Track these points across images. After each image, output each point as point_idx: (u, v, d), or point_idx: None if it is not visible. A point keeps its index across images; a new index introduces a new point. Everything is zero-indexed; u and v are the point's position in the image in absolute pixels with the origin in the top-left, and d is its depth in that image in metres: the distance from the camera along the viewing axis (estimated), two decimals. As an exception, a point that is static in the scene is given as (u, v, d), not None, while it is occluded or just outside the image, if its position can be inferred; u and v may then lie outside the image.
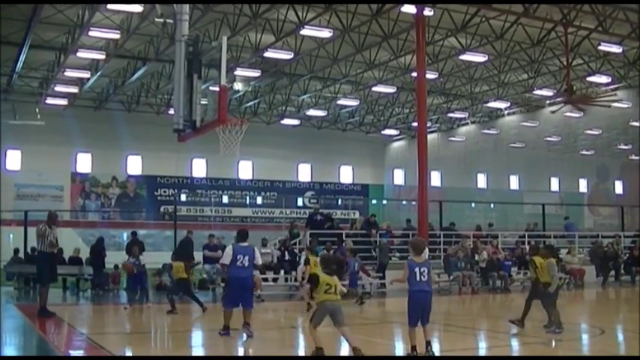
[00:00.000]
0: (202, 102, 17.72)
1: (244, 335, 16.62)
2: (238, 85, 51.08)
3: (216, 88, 17.39)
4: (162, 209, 55.20)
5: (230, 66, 39.82)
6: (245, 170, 62.45)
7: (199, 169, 60.47)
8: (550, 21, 38.48)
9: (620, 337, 18.53)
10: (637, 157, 65.98)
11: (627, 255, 38.20)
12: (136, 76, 47.07)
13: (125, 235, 40.43)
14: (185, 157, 56.21)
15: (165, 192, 57.14)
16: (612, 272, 36.16)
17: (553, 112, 42.94)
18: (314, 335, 14.08)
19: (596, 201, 67.56)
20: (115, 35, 38.74)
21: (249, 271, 17.38)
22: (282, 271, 30.22)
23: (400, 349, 16.64)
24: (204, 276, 31.19)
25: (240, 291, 17.19)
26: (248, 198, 59.83)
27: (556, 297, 17.51)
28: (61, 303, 27.31)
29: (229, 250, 17.40)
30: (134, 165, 59.10)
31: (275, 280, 30.08)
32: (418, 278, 13.74)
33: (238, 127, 18.17)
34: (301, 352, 16.37)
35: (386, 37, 40.53)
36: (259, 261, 18.01)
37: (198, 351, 16.86)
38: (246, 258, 17.11)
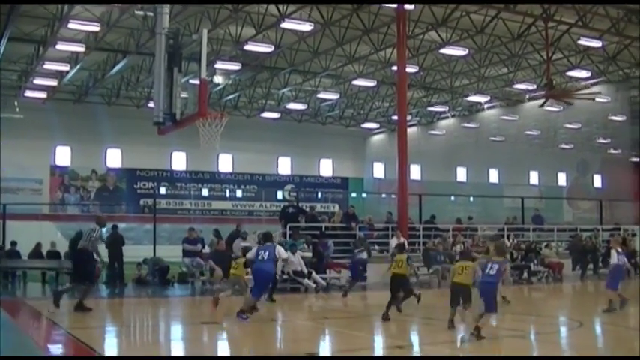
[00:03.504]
0: (182, 95, 17.69)
1: (224, 330, 16.62)
2: (218, 79, 51.05)
3: (197, 82, 17.35)
4: (142, 202, 55.09)
5: (210, 59, 39.70)
6: (225, 163, 62.37)
7: (179, 162, 60.38)
8: (530, 15, 38.62)
9: (598, 329, 18.61)
10: (616, 152, 66.37)
11: (605, 248, 38.35)
12: (116, 69, 46.95)
13: (105, 229, 40.32)
14: (165, 151, 56.09)
15: (145, 185, 57.03)
16: (590, 265, 36.32)
17: (540, 106, 43.04)
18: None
19: (575, 195, 67.85)
20: (95, 28, 38.62)
21: (269, 264, 19.08)
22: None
23: (379, 342, 16.67)
24: (184, 269, 31.11)
25: (261, 282, 19.31)
26: (228, 191, 59.80)
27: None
28: (40, 297, 27.20)
29: (254, 249, 19.76)
30: (114, 158, 58.93)
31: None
32: (487, 271, 15.58)
33: (218, 120, 18.16)
34: (280, 345, 16.38)
35: (366, 30, 40.57)
36: (282, 255, 19.64)
37: (178, 344, 16.82)
38: (267, 253, 18.92)
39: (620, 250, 20.62)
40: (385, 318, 18.39)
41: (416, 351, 15.38)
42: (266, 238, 19.95)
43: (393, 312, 18.48)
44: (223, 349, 15.97)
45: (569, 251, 37.03)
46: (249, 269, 20.00)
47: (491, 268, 15.56)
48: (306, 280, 27.32)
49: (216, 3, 36.92)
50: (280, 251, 19.52)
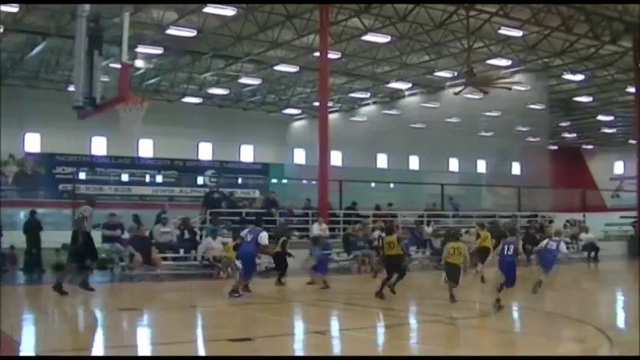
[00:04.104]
0: (103, 79, 17.49)
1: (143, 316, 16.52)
2: (140, 63, 50.59)
3: (118, 65, 17.19)
4: (60, 187, 54.37)
5: (132, 43, 39.34)
6: (146, 148, 61.93)
7: (99, 147, 59.76)
8: (453, 2, 38.87)
9: (517, 314, 18.89)
10: (535, 140, 67.19)
11: (523, 234, 38.90)
12: (35, 51, 46.28)
13: (23, 214, 39.68)
14: (85, 135, 55.54)
15: (64, 170, 56.25)
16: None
17: (456, 93, 43.40)
18: None
19: (494, 181, 68.42)
20: (13, 9, 37.96)
21: (249, 246, 21.09)
22: (181, 251, 29.95)
23: (300, 328, 16.72)
24: (104, 255, 30.80)
25: (244, 261, 21.72)
26: (148, 176, 59.32)
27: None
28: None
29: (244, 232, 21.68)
30: (33, 142, 58.10)
31: (175, 259, 29.84)
32: (505, 252, 18.46)
33: (139, 105, 18.02)
34: (200, 331, 16.34)
35: (289, 16, 40.58)
36: (264, 241, 21.30)
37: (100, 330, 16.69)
38: (251, 236, 21.06)
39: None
40: (379, 296, 19.81)
41: (336, 337, 15.43)
42: (256, 222, 22.75)
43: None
44: (143, 335, 15.87)
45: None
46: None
47: (508, 248, 18.44)
48: (226, 266, 27.27)
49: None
50: (263, 237, 21.13)
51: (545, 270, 21.21)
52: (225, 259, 24.14)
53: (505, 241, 18.87)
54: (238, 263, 23.46)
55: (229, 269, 24.81)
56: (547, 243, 21.46)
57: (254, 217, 23.77)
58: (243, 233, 21.63)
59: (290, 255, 25.95)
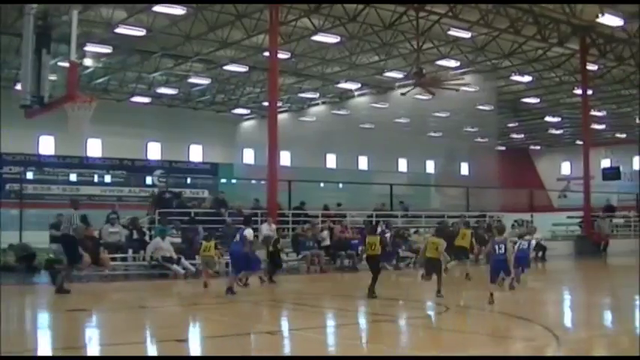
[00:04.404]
0: (51, 78, 17.34)
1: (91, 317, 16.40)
2: (89, 61, 50.18)
3: (66, 64, 17.04)
4: (7, 187, 53.79)
5: (81, 41, 39.05)
6: (94, 148, 61.45)
7: (47, 146, 59.23)
8: (402, 3, 39.00)
9: (466, 314, 18.99)
10: (483, 140, 67.71)
11: (471, 234, 39.12)
12: (-20, 49, 45.80)
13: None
14: (32, 134, 54.99)
15: (11, 169, 55.65)
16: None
17: (403, 94, 43.56)
18: None
19: (443, 182, 68.80)
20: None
21: (237, 245, 22.83)
22: (130, 251, 29.77)
23: (249, 328, 16.68)
24: (52, 256, 30.52)
25: (232, 260, 23.53)
26: (97, 176, 58.85)
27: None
28: None
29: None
30: (-23, 142, 57.50)
31: (123, 259, 29.65)
32: (497, 251, 19.01)
33: (88, 104, 17.87)
34: (148, 332, 16.25)
35: (239, 16, 40.48)
36: (249, 237, 22.90)
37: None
38: (239, 235, 22.81)
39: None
40: (371, 296, 20.07)
41: (286, 337, 15.42)
42: (245, 222, 24.29)
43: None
44: (91, 336, 15.75)
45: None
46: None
47: (499, 247, 19.07)
48: (175, 266, 27.21)
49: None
50: (247, 233, 22.74)
51: (523, 268, 22.51)
52: (206, 257, 24.66)
53: (495, 241, 19.52)
54: (220, 261, 25.92)
55: (214, 268, 25.62)
56: (519, 244, 22.46)
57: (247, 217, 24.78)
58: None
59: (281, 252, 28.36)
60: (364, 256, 22.98)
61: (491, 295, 18.84)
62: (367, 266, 21.69)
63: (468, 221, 30.73)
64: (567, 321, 18.25)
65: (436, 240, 21.00)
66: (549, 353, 12.97)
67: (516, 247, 22.08)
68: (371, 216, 37.87)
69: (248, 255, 23.03)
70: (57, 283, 22.35)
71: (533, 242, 23.64)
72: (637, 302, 21.26)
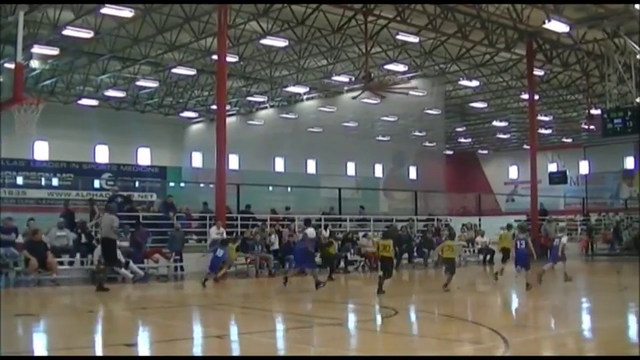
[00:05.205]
0: (-3, 79, 17.20)
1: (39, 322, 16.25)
2: (35, 63, 49.66)
3: (12, 66, 16.93)
4: (-50, 191, 53.16)
5: (27, 43, 38.71)
6: (41, 151, 60.92)
7: (-8, 148, 58.68)
8: (351, 9, 39.12)
9: (413, 317, 19.06)
10: (431, 144, 68.09)
11: (420, 238, 39.40)
12: None
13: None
14: (-23, 137, 54.50)
15: (-47, 173, 55.02)
16: (406, 255, 37.17)
17: (354, 97, 43.64)
18: None
19: (391, 185, 69.15)
20: None
21: (302, 244, 26.07)
22: (78, 255, 29.53)
23: (198, 332, 16.63)
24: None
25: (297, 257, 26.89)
26: (44, 179, 58.30)
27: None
28: None
29: None
30: None
31: (71, 263, 29.41)
32: (519, 246, 24.39)
33: (34, 106, 17.74)
34: (97, 336, 16.13)
35: (187, 19, 40.34)
36: (309, 236, 26.01)
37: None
38: (301, 235, 26.83)
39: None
40: (380, 292, 22.08)
41: (235, 341, 15.38)
42: (306, 223, 27.58)
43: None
44: (38, 342, 15.59)
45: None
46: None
47: (521, 243, 24.29)
48: (123, 270, 27.06)
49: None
50: (309, 232, 26.02)
51: (525, 267, 24.83)
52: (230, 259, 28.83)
53: (517, 238, 24.81)
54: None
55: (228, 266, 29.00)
56: (517, 243, 25.19)
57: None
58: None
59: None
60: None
61: (496, 274, 26.44)
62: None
63: (510, 224, 33.78)
64: (514, 323, 18.35)
65: (451, 243, 25.71)
66: (498, 354, 13.05)
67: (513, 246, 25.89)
68: (319, 220, 37.92)
69: (310, 252, 25.95)
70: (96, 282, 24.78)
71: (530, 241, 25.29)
72: (585, 305, 21.60)
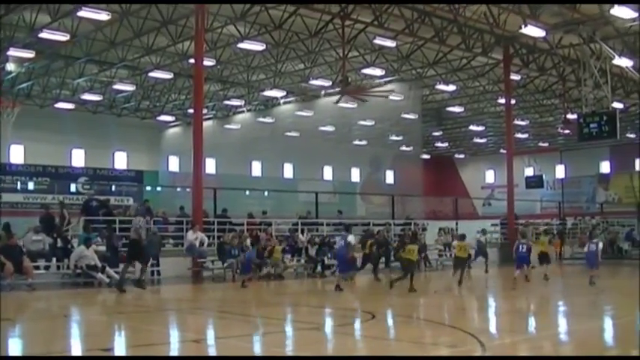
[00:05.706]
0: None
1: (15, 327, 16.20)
2: (11, 66, 49.41)
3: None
4: None
5: (3, 45, 38.56)
6: (16, 154, 60.64)
7: (-33, 152, 58.41)
8: (328, 13, 39.14)
9: (390, 321, 19.09)
10: (408, 149, 68.23)
11: (397, 242, 39.39)
12: None
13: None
14: (-48, 140, 54.20)
15: None
16: (383, 258, 37.16)
17: (336, 102, 43.65)
18: None
19: (368, 190, 69.27)
20: None
21: (344, 249, 27.59)
22: (54, 259, 29.38)
23: (175, 336, 16.60)
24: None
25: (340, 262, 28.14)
26: (19, 183, 58.06)
27: None
28: None
29: None
30: None
31: (47, 267, 29.27)
32: (520, 250, 27.17)
33: (10, 109, 17.71)
34: (73, 341, 16.07)
35: (165, 22, 40.28)
36: (351, 242, 28.76)
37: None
38: (343, 241, 27.75)
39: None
40: (412, 290, 24.26)
41: (212, 345, 15.36)
42: (346, 229, 29.68)
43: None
44: (14, 346, 15.50)
45: (361, 245, 37.76)
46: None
47: (522, 248, 27.18)
48: (99, 275, 26.93)
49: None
50: (350, 239, 28.17)
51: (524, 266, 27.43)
52: (274, 260, 31.66)
53: (519, 242, 27.77)
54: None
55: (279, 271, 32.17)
56: (519, 246, 27.71)
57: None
58: (338, 239, 29.92)
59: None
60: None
61: (515, 279, 26.19)
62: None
63: (550, 229, 40.61)
64: (491, 327, 18.41)
65: (464, 243, 28.42)
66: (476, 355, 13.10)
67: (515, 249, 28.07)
68: (296, 224, 37.93)
69: (352, 257, 28.10)
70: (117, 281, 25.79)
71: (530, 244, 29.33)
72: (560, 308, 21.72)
